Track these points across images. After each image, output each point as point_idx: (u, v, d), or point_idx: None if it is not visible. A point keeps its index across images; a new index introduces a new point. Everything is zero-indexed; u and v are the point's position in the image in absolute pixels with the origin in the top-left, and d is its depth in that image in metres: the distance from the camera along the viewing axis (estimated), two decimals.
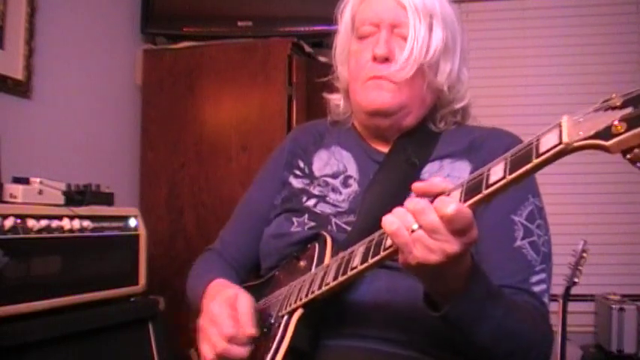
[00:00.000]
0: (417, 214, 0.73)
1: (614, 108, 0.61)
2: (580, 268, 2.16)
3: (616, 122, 0.60)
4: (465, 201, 0.72)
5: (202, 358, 1.00)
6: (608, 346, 2.56)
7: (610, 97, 0.63)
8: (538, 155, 0.66)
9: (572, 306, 2.23)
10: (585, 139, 0.62)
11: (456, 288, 0.78)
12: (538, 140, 0.67)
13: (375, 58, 1.06)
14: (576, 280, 2.17)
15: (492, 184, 0.70)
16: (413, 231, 0.74)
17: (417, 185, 0.77)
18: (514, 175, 0.68)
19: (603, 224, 2.86)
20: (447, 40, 1.08)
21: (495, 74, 2.98)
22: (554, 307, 2.10)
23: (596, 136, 0.61)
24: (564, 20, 2.96)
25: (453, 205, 0.71)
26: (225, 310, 0.96)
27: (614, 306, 2.55)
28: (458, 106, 1.13)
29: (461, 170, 1.05)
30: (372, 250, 0.82)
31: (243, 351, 0.94)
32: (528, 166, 0.67)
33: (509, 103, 2.95)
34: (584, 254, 2.16)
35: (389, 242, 0.79)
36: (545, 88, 2.94)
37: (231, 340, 0.94)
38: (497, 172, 0.70)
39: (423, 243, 0.73)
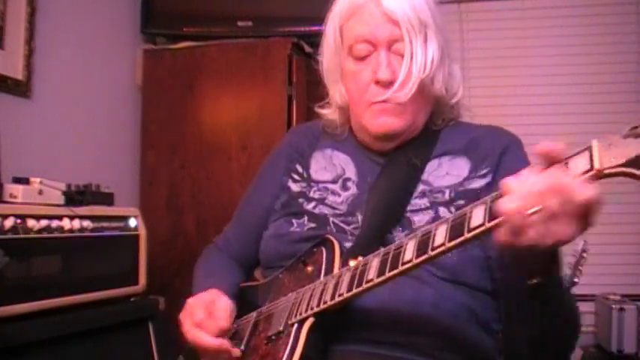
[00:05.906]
0: (556, 192, 0.64)
1: None
2: (580, 268, 2.15)
3: None
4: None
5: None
6: (608, 346, 2.55)
7: (639, 125, 0.62)
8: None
9: None
10: (618, 166, 0.61)
11: (547, 262, 0.77)
12: (567, 163, 0.66)
13: (378, 82, 1.03)
14: (576, 280, 2.16)
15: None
16: (532, 213, 0.65)
17: (540, 148, 0.67)
18: None
19: (603, 224, 2.84)
20: (442, 46, 1.06)
21: (495, 74, 2.98)
22: None
23: (628, 164, 0.60)
24: (564, 20, 2.95)
25: (590, 188, 0.63)
26: (200, 302, 1.02)
27: (614, 306, 2.54)
28: (453, 101, 1.12)
29: (460, 167, 1.05)
30: (389, 263, 0.81)
31: (210, 340, 0.97)
32: None
33: (509, 103, 2.94)
34: (584, 254, 2.15)
35: (407, 256, 0.78)
36: (545, 88, 2.93)
37: (199, 325, 0.98)
38: None
39: (545, 227, 0.65)
